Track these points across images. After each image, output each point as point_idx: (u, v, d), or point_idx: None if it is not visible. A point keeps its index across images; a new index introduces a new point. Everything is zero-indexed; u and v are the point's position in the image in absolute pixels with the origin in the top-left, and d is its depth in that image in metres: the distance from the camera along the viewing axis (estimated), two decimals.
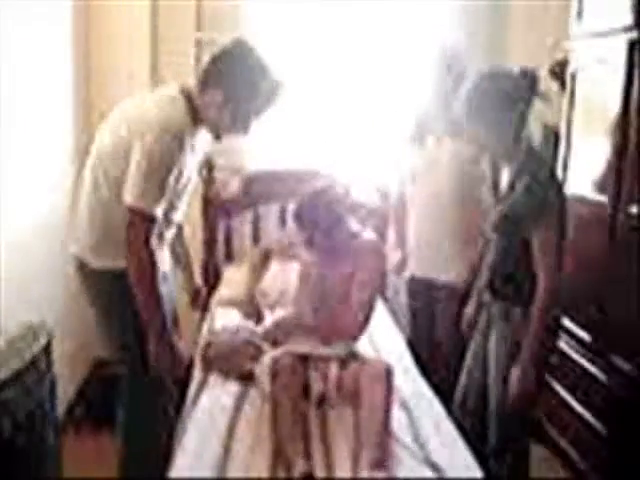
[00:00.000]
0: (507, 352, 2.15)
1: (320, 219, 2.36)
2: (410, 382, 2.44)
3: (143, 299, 2.06)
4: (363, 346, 2.54)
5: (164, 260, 2.30)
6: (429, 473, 1.92)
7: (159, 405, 2.25)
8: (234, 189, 3.30)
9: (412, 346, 2.90)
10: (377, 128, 3.49)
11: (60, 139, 3.06)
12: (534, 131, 2.84)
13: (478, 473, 1.93)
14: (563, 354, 2.82)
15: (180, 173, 2.09)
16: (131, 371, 2.23)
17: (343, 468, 1.90)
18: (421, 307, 2.99)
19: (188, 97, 2.09)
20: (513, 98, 2.04)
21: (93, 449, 2.77)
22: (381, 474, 1.85)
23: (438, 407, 2.29)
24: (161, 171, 1.99)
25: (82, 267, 2.18)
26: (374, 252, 2.50)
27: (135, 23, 3.32)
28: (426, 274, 2.89)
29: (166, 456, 2.04)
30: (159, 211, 2.02)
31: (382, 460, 1.91)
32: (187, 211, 2.40)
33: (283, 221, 3.43)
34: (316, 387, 2.25)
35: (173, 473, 1.91)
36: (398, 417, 2.20)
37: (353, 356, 2.35)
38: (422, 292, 2.94)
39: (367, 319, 2.45)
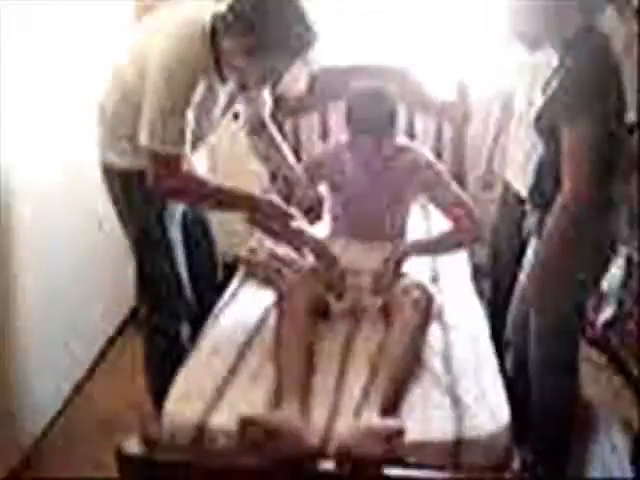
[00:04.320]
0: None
1: (373, 117, 2.12)
2: (466, 312, 2.23)
3: (210, 205, 2.12)
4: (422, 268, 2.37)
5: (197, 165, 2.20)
6: (448, 405, 1.76)
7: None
8: (302, 86, 3.09)
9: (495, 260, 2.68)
10: (458, 21, 3.10)
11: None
12: None
13: (505, 415, 1.74)
14: None
15: (207, 107, 1.94)
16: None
17: (348, 410, 1.75)
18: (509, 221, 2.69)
19: (214, 35, 1.84)
20: None
21: None
22: (388, 422, 1.66)
23: (485, 339, 2.07)
24: (174, 112, 1.80)
25: (101, 165, 2.11)
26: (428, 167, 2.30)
27: None
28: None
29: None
30: (180, 149, 1.85)
31: (394, 404, 1.75)
32: None
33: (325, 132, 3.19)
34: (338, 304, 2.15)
35: (181, 374, 1.90)
36: (434, 337, 2.05)
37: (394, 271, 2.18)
38: (513, 204, 2.64)
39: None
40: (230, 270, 2.55)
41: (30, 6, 2.22)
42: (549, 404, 2.02)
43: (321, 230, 2.42)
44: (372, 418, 1.66)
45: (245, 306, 2.26)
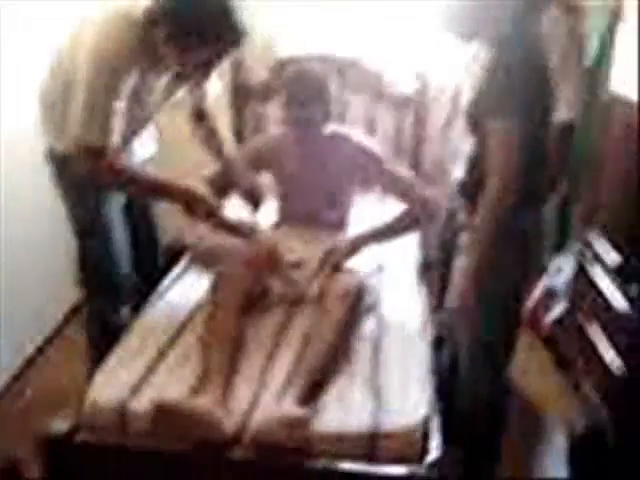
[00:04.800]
0: None
1: (308, 91, 2.21)
2: (405, 305, 2.23)
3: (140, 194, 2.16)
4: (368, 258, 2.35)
5: (140, 149, 2.22)
6: (367, 397, 1.77)
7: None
8: (264, 75, 3.09)
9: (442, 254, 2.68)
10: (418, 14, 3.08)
11: None
12: None
13: (422, 409, 1.73)
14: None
15: (142, 96, 1.97)
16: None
17: (268, 399, 1.75)
18: None
19: (147, 27, 1.85)
20: None
21: None
22: (293, 410, 1.66)
23: (418, 334, 2.07)
24: (100, 103, 1.82)
25: (44, 148, 2.12)
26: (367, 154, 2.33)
27: None
28: None
29: None
30: (106, 140, 1.85)
31: (313, 394, 1.75)
32: (214, 100, 2.31)
33: None
34: (274, 292, 2.15)
35: (109, 357, 1.91)
36: (366, 329, 2.06)
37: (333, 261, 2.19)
38: None
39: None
40: (178, 256, 2.55)
41: None
42: (477, 401, 2.03)
43: (269, 218, 2.44)
44: (283, 406, 1.66)
45: (185, 292, 2.27)
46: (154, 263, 2.45)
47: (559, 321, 2.79)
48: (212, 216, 2.05)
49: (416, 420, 1.71)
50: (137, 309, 2.22)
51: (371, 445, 1.67)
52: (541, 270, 2.81)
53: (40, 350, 2.84)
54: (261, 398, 1.77)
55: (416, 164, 3.07)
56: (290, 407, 1.65)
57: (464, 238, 1.94)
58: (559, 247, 2.85)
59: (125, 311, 2.26)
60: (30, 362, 2.76)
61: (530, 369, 2.68)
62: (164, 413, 1.63)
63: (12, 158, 2.50)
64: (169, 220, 2.54)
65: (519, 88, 1.68)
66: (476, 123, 1.79)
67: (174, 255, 2.56)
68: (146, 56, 1.88)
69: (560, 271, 2.80)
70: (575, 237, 2.76)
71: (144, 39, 1.85)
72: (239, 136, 3.15)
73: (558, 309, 2.79)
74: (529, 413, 2.55)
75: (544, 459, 2.38)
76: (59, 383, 2.58)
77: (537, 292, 2.85)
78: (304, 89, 2.20)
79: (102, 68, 1.80)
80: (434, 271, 2.59)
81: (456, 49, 2.46)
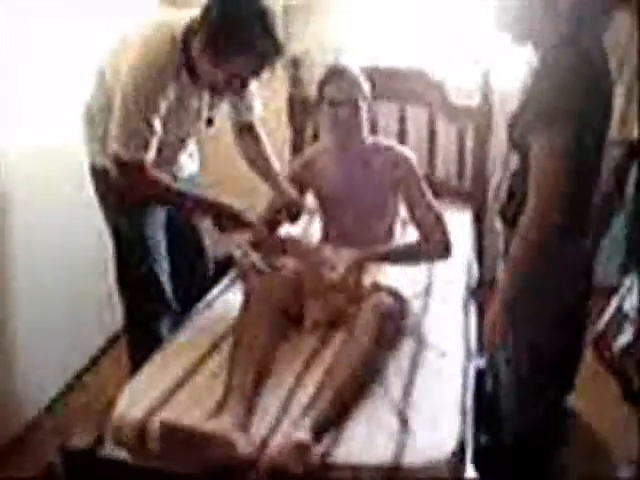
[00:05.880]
0: None
1: (340, 91, 2.15)
2: (449, 330, 2.13)
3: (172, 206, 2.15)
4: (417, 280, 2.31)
5: (186, 165, 2.25)
6: (393, 427, 1.68)
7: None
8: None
9: None
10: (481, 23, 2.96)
11: None
12: None
13: (451, 442, 1.62)
14: None
15: (181, 111, 1.97)
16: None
17: (288, 424, 1.68)
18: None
19: (187, 41, 1.87)
20: None
21: None
22: (305, 438, 1.57)
23: (458, 361, 1.97)
24: (137, 120, 1.84)
25: (88, 164, 2.17)
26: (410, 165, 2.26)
27: None
28: None
29: None
30: (146, 155, 1.88)
31: (332, 420, 1.67)
32: (271, 112, 2.35)
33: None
34: (311, 313, 2.09)
35: (139, 372, 1.92)
36: (403, 353, 1.98)
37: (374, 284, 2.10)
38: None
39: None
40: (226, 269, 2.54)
41: None
42: (523, 431, 1.89)
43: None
44: (295, 433, 1.59)
45: (225, 308, 2.24)
46: (202, 276, 2.45)
47: (627, 348, 2.58)
48: (247, 232, 2.03)
49: (443, 453, 1.60)
50: (178, 323, 2.22)
51: (391, 478, 1.58)
52: (610, 293, 2.62)
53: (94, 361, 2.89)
54: (282, 423, 1.72)
55: (480, 178, 2.95)
56: (300, 434, 1.59)
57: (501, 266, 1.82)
58: (629, 266, 2.65)
59: (166, 325, 2.26)
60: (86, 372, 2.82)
61: (595, 401, 2.49)
62: (171, 433, 1.60)
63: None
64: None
65: (567, 95, 1.53)
66: (520, 137, 1.66)
67: (223, 269, 2.55)
68: (185, 71, 1.89)
69: (630, 293, 2.60)
70: None
71: (183, 54, 1.86)
72: (297, 148, 3.12)
73: (627, 335, 2.58)
74: (593, 448, 2.38)
75: None
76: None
77: (605, 316, 2.65)
78: (337, 89, 2.14)
79: (139, 84, 1.83)
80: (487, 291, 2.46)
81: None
